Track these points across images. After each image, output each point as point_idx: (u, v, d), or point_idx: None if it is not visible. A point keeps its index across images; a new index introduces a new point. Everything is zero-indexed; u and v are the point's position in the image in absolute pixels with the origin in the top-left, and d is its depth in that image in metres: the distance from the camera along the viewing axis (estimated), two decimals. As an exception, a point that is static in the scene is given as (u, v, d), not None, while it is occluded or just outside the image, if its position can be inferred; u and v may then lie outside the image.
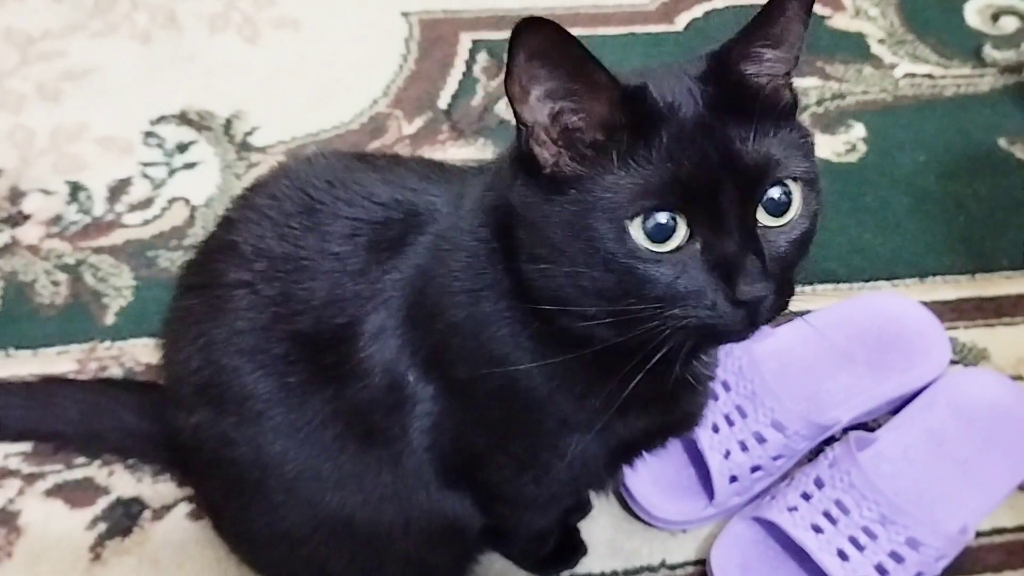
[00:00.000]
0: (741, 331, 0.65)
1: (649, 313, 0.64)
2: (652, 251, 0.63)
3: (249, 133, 1.40)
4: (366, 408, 0.79)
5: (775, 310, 0.66)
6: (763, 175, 0.64)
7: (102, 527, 1.04)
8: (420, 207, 0.79)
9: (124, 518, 1.05)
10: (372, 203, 0.80)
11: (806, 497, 1.01)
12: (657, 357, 0.66)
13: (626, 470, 1.03)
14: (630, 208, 0.63)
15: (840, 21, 1.60)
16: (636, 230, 0.63)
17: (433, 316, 0.76)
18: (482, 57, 1.52)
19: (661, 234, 0.63)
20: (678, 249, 0.63)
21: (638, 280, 0.63)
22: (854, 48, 1.57)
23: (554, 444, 0.79)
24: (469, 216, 0.75)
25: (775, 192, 0.65)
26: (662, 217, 0.63)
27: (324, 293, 0.78)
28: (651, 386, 0.73)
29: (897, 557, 0.97)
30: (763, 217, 0.65)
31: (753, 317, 0.64)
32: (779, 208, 0.65)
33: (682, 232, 0.63)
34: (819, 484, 1.02)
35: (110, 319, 1.20)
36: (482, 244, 0.73)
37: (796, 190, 0.66)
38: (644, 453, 0.86)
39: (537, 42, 0.60)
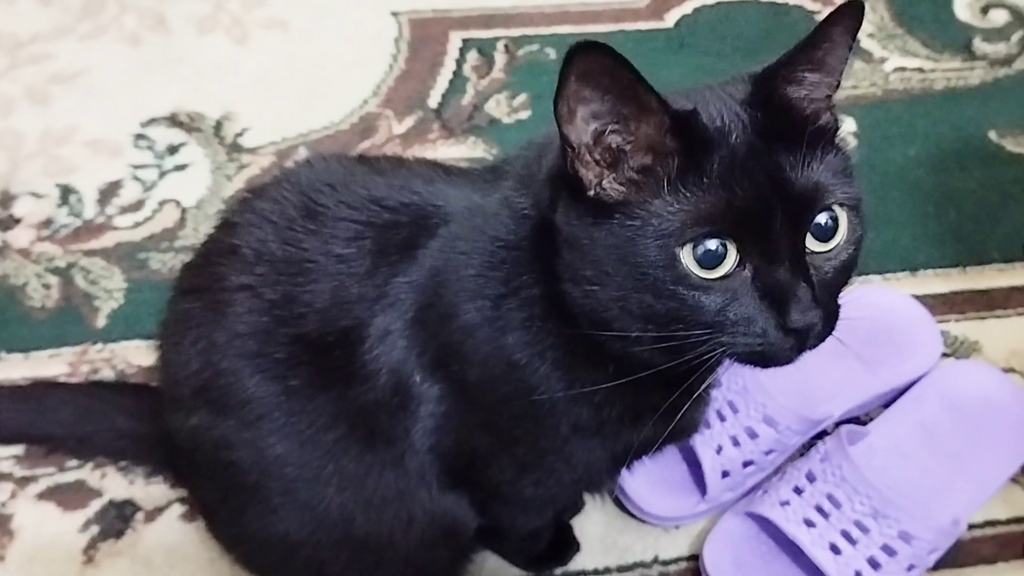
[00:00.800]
0: (789, 358, 0.66)
1: (696, 339, 0.64)
2: (702, 278, 0.63)
3: (239, 134, 1.40)
4: (371, 409, 0.79)
5: (822, 337, 0.66)
6: (812, 202, 0.64)
7: (95, 529, 1.05)
8: (428, 210, 0.79)
9: (117, 520, 1.05)
10: (377, 206, 0.80)
11: (798, 491, 1.01)
12: (706, 383, 0.68)
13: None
14: (681, 235, 0.62)
15: (830, 16, 1.60)
16: (687, 256, 0.63)
17: (446, 318, 0.75)
18: (472, 56, 1.52)
19: (712, 261, 0.63)
20: (727, 276, 0.63)
21: (687, 306, 0.63)
22: (844, 43, 1.56)
23: (561, 449, 0.79)
24: (493, 221, 0.74)
25: (822, 218, 0.65)
26: (713, 244, 0.62)
27: (328, 296, 0.78)
28: (667, 399, 0.74)
29: (889, 550, 0.97)
30: (811, 243, 0.65)
31: (802, 344, 0.65)
32: (826, 234, 0.65)
33: (732, 259, 0.63)
34: (811, 478, 1.02)
35: (101, 321, 1.20)
36: (508, 251, 0.73)
37: (842, 216, 0.66)
38: (644, 457, 0.87)
39: (589, 65, 0.60)
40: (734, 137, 0.64)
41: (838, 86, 0.68)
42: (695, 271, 0.63)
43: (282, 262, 0.79)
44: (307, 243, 0.79)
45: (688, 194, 0.63)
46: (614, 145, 0.64)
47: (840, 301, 0.68)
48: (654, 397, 0.74)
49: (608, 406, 0.75)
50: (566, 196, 0.67)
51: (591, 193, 0.65)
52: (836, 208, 0.65)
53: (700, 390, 0.73)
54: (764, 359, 0.66)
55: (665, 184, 0.63)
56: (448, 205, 0.78)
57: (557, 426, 0.77)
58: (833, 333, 0.68)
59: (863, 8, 0.66)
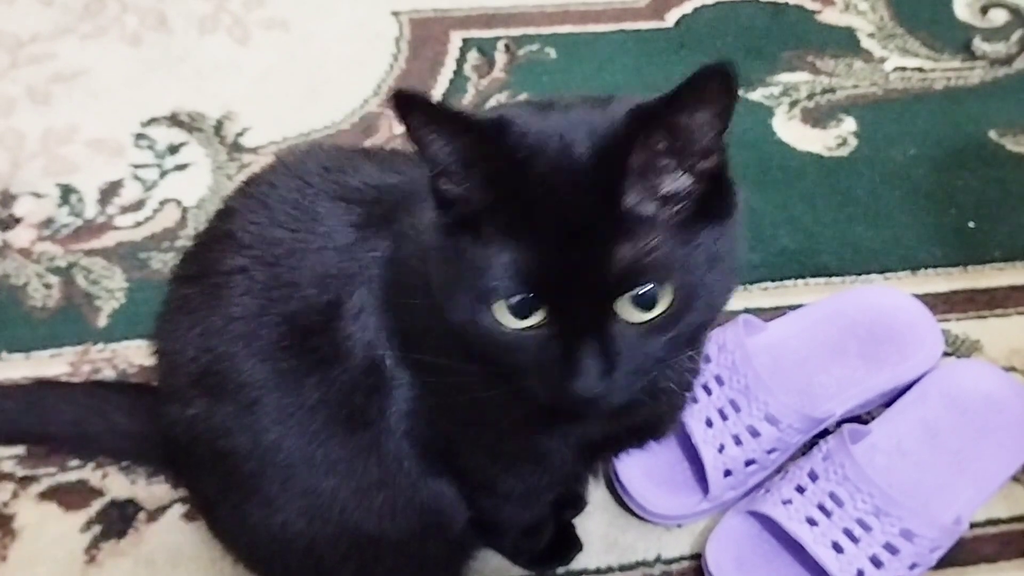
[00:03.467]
0: (590, 415, 0.66)
1: (507, 374, 0.65)
2: (511, 328, 0.62)
3: (240, 134, 1.40)
4: (349, 390, 0.79)
5: (627, 399, 0.64)
6: (620, 277, 0.60)
7: (97, 529, 1.04)
8: (409, 189, 0.79)
9: (119, 520, 1.05)
10: (366, 185, 0.81)
11: (800, 490, 1.01)
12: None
13: (620, 465, 1.04)
14: (487, 288, 0.62)
15: (830, 15, 1.61)
16: (498, 306, 0.62)
17: (405, 297, 0.76)
18: (472, 56, 1.52)
19: (519, 312, 0.62)
20: (538, 327, 0.62)
21: (496, 347, 0.64)
22: (844, 42, 1.57)
23: (515, 436, 0.79)
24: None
25: (641, 289, 0.61)
26: (518, 299, 0.61)
27: (312, 272, 0.78)
28: None
29: (892, 548, 0.97)
30: (627, 312, 0.61)
31: (597, 407, 0.64)
32: (646, 303, 0.61)
33: (541, 313, 0.62)
34: (813, 477, 1.02)
35: (103, 321, 1.20)
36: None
37: (667, 290, 0.61)
38: (617, 452, 0.87)
39: (421, 108, 0.59)
40: (558, 195, 0.60)
41: (719, 155, 0.63)
42: (504, 320, 0.62)
43: (275, 242, 0.80)
44: (298, 223, 0.80)
45: (503, 246, 0.61)
46: (455, 187, 0.63)
47: (675, 365, 0.67)
48: None
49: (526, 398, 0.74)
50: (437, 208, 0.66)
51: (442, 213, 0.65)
52: (656, 284, 0.61)
53: None
54: (564, 409, 0.65)
55: (491, 226, 0.62)
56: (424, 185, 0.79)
57: (499, 414, 0.77)
58: (658, 388, 0.69)
59: (730, 76, 0.59)
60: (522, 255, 0.61)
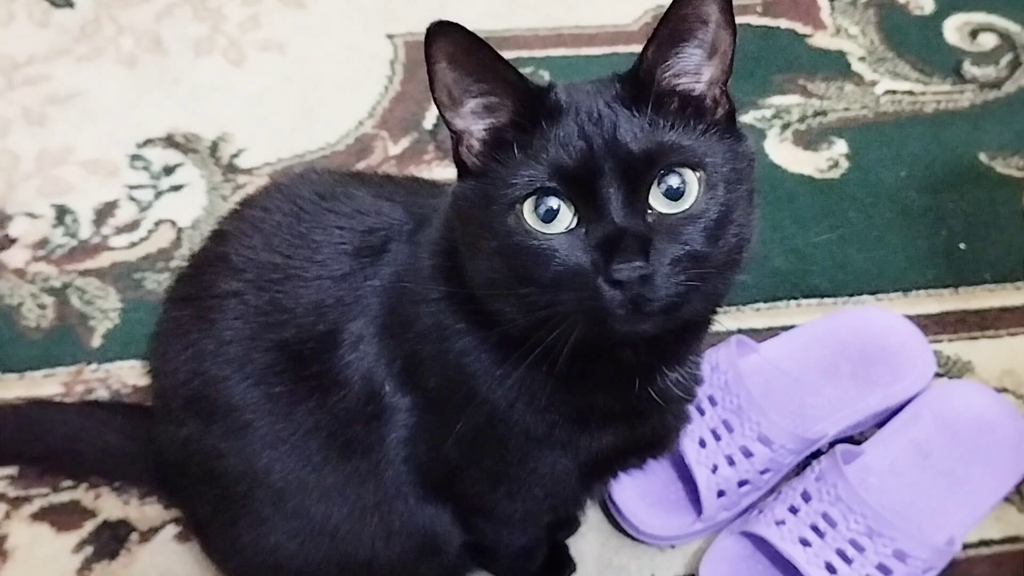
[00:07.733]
0: (625, 316, 0.64)
1: (545, 299, 0.65)
2: (542, 232, 0.65)
3: (235, 155, 1.40)
4: (346, 418, 0.79)
5: (668, 296, 0.64)
6: (648, 162, 0.65)
7: (89, 550, 1.04)
8: (403, 218, 0.81)
9: (111, 541, 1.05)
10: (359, 213, 0.82)
11: (793, 511, 1.01)
12: (640, 382, 0.68)
13: (613, 485, 1.04)
14: (521, 192, 0.65)
15: (821, 40, 1.62)
16: (528, 212, 0.65)
17: (406, 324, 0.77)
18: (467, 78, 1.52)
19: (549, 216, 0.65)
20: (568, 232, 0.65)
21: (531, 259, 0.65)
22: (835, 66, 1.58)
23: (522, 458, 0.79)
24: (435, 229, 0.77)
25: (671, 180, 0.65)
26: (549, 201, 0.65)
27: (308, 301, 0.79)
28: (612, 401, 0.75)
29: (885, 569, 0.97)
30: (660, 203, 0.65)
31: (636, 301, 0.63)
32: (675, 194, 0.66)
33: (568, 215, 0.65)
34: (806, 497, 1.02)
35: (96, 342, 1.20)
36: (444, 256, 0.75)
37: (693, 179, 0.66)
38: (619, 472, 0.87)
39: (453, 46, 0.64)
40: (582, 106, 0.66)
41: (726, 69, 0.69)
42: (536, 226, 0.65)
43: (269, 268, 0.81)
44: (292, 249, 0.81)
45: (532, 158, 0.65)
46: (487, 122, 0.68)
47: (720, 276, 0.68)
48: (597, 399, 0.75)
49: (552, 410, 0.75)
50: (459, 179, 0.70)
51: (469, 165, 0.69)
52: (685, 171, 0.66)
53: (641, 391, 0.74)
54: (600, 318, 0.64)
55: (516, 151, 0.66)
56: (423, 212, 0.80)
57: (511, 435, 0.77)
58: (707, 307, 0.71)
59: None
60: (547, 160, 0.65)
